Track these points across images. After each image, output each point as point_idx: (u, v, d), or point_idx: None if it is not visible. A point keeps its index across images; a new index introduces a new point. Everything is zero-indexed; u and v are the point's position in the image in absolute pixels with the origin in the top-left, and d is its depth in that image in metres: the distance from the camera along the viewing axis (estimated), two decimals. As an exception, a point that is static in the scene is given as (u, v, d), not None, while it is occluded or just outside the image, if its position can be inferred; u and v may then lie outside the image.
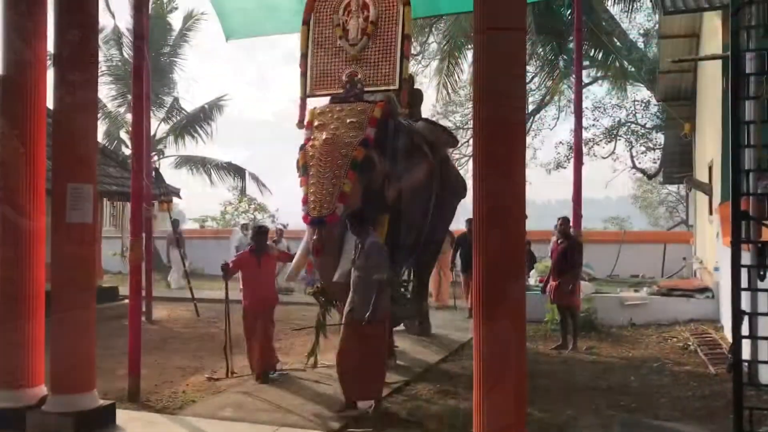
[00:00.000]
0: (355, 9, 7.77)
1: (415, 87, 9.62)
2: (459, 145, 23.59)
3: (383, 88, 7.57)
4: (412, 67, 21.64)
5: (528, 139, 22.15)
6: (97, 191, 5.91)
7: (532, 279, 12.80)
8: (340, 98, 7.58)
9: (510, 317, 4.24)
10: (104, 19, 22.00)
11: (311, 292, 7.60)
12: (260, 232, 7.74)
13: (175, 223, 15.82)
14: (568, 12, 15.41)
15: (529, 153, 22.62)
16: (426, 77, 22.32)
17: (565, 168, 23.11)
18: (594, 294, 11.30)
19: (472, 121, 5.43)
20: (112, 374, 7.19)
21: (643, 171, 24.59)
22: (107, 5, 22.43)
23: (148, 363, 7.52)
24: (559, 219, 9.56)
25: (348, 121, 7.20)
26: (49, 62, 6.10)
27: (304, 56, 7.97)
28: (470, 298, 10.63)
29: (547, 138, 25.87)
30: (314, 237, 6.92)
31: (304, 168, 7.19)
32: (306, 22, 8.03)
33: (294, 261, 7.53)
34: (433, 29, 20.84)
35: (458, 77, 18.60)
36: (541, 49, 17.65)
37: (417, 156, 7.72)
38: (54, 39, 5.76)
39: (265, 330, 7.39)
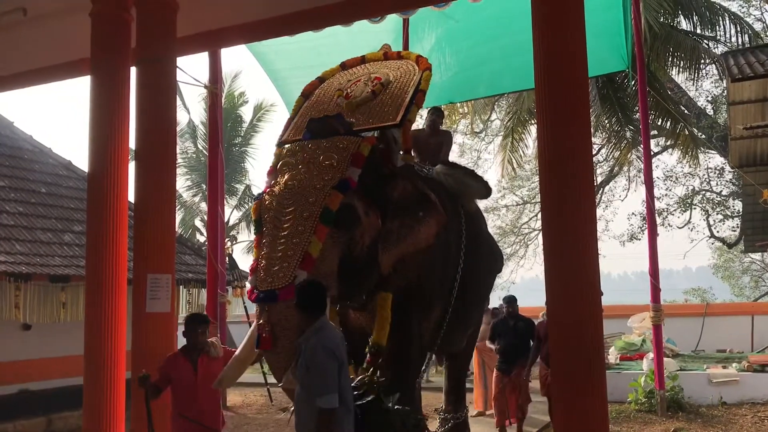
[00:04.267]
0: (364, 81, 6.30)
1: (441, 128, 7.79)
2: (528, 219, 23.46)
3: (379, 125, 5.73)
4: (475, 143, 21.88)
5: (599, 211, 21.78)
6: (175, 279, 6.10)
7: (612, 356, 12.31)
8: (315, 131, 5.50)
9: (591, 399, 4.07)
10: (180, 114, 23.24)
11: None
12: (193, 321, 5.17)
13: None
14: (632, 83, 15.36)
15: (600, 225, 22.14)
16: (490, 154, 22.47)
17: (639, 239, 22.50)
18: (678, 371, 10.75)
19: (539, 195, 5.27)
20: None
21: (722, 240, 23.69)
22: (182, 101, 23.68)
23: (223, 450, 7.51)
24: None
25: (322, 157, 5.12)
26: (130, 158, 6.47)
27: (291, 119, 6.37)
28: (511, 407, 8.44)
29: (618, 209, 25.31)
30: (260, 321, 4.61)
31: (257, 224, 5.16)
32: (305, 95, 6.58)
33: (232, 358, 4.91)
34: (496, 106, 21.08)
35: (523, 152, 18.59)
36: (606, 121, 17.52)
37: (422, 207, 5.39)
38: (135, 136, 6.12)
39: None
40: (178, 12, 6.26)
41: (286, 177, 5.14)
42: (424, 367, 6.50)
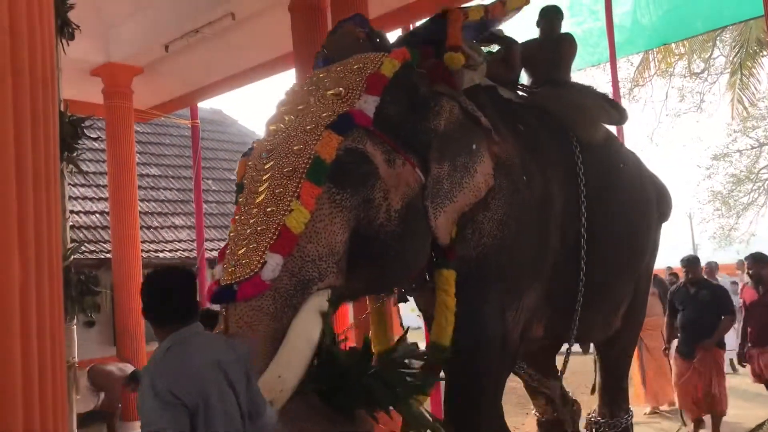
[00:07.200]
0: None
1: (563, 32, 5.05)
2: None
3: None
4: (696, 85, 20.01)
5: None
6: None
7: None
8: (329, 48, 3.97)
9: None
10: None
11: None
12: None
13: None
14: None
15: None
16: (715, 95, 20.52)
17: None
18: None
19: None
20: None
21: None
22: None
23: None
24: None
25: (328, 86, 3.45)
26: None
27: None
28: (699, 401, 6.53)
29: None
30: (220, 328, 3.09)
31: (238, 189, 3.52)
32: None
33: None
34: (718, 41, 19.12)
35: (755, 88, 16.75)
36: None
37: (474, 137, 3.61)
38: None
39: None
40: (370, -6, 6.33)
41: (277, 120, 3.53)
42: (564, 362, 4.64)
